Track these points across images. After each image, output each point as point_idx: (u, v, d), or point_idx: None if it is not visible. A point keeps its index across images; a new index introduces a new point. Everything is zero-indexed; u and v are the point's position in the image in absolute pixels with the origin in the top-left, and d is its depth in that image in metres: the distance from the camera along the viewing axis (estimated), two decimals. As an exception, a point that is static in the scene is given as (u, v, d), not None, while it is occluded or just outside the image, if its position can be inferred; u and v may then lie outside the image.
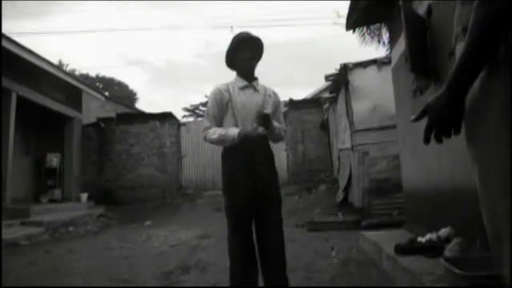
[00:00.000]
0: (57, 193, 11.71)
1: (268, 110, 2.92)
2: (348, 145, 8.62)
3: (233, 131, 2.80)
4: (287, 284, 2.85)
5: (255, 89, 2.96)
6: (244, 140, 2.76)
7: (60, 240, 7.57)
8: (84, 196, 12.20)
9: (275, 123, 2.91)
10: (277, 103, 3.03)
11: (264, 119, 2.76)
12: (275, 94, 3.04)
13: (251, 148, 2.81)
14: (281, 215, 2.92)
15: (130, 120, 13.81)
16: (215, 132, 2.85)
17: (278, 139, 3.00)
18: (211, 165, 13.45)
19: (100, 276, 4.25)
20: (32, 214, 9.01)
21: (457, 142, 3.39)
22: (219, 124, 2.92)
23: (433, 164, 4.12)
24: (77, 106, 12.60)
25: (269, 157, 2.96)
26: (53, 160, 11.85)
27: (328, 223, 7.38)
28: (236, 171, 2.82)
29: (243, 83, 2.95)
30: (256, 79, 3.01)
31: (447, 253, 3.04)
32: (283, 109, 3.15)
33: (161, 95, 58.93)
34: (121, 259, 5.27)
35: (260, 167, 2.84)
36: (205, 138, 2.95)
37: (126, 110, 16.72)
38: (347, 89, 8.39)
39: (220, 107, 2.91)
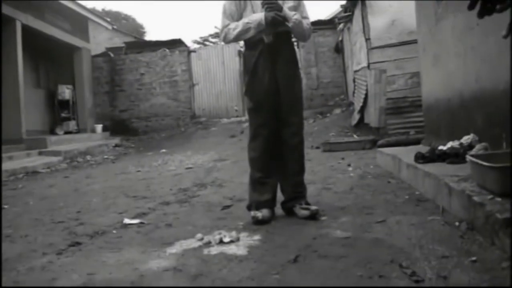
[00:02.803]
0: (72, 124, 11.78)
1: (290, 4, 2.71)
2: (364, 64, 8.31)
3: (258, 14, 2.62)
4: (304, 190, 2.81)
5: None
6: (272, 22, 2.58)
7: (78, 168, 7.69)
8: (99, 127, 12.29)
9: (297, 16, 2.68)
10: None
11: (270, 4, 2.56)
12: None
13: (274, 45, 2.66)
14: (303, 121, 2.82)
15: (139, 48, 13.47)
16: (238, 25, 2.68)
17: (303, 34, 2.80)
18: (224, 93, 13.25)
19: (117, 194, 4.29)
20: (49, 145, 9.12)
21: (483, 43, 3.14)
22: None
23: (456, 70, 3.89)
24: (84, 35, 12.31)
25: (293, 56, 2.81)
26: (65, 91, 11.76)
27: (344, 143, 7.31)
28: (257, 69, 2.68)
29: None
30: None
31: (471, 156, 2.92)
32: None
33: (170, 27, 57.26)
34: (138, 181, 5.33)
35: (283, 66, 2.70)
36: (225, 38, 2.78)
37: (135, 41, 16.32)
38: (363, 3, 7.92)
39: (238, 5, 2.73)
